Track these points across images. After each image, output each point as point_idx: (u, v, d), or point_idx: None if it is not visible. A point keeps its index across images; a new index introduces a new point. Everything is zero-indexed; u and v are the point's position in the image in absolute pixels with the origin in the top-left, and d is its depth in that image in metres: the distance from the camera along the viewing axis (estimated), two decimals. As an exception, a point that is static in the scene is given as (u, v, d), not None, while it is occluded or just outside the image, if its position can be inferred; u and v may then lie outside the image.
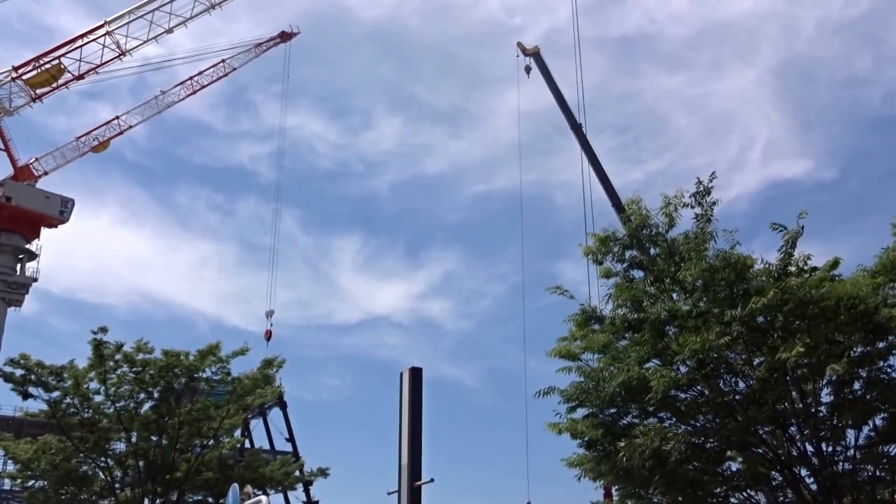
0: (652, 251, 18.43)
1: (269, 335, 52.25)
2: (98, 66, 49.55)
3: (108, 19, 49.04)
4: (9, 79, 48.67)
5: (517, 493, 35.42)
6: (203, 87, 57.79)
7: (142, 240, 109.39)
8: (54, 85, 49.48)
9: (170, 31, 49.50)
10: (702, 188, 17.82)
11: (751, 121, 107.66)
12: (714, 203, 17.69)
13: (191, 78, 56.84)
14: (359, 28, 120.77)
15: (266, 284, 56.49)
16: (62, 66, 48.85)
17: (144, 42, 49.36)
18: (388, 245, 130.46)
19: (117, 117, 56.12)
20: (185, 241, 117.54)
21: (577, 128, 41.53)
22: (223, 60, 57.24)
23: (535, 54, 44.29)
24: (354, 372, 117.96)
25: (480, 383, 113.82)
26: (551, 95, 43.35)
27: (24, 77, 48.64)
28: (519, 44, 45.22)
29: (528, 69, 44.74)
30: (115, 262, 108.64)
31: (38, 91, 49.46)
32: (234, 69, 58.38)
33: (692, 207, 17.90)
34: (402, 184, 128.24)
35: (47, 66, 48.58)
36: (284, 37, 60.20)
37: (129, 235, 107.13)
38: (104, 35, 48.62)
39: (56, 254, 77.15)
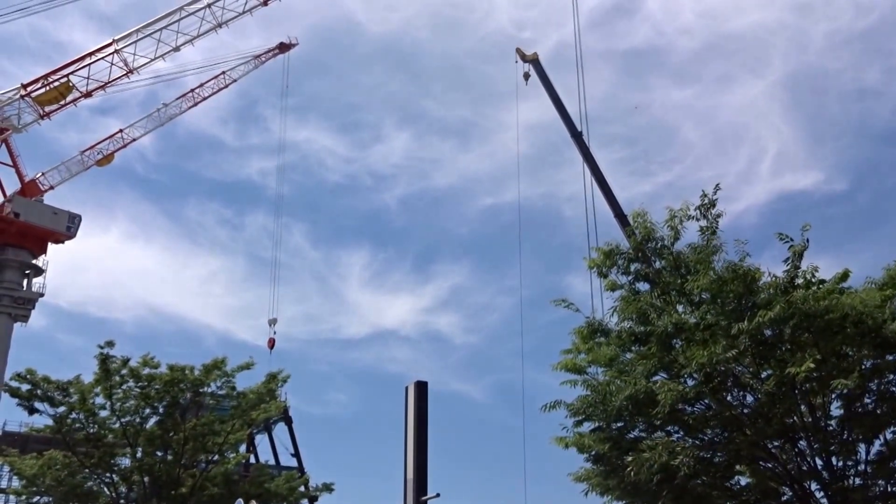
0: (657, 264, 18.38)
1: (272, 343, 52.40)
2: (106, 84, 49.95)
3: (116, 38, 49.51)
4: (17, 96, 49.08)
5: (524, 508, 35.06)
6: (204, 98, 58.07)
7: (150, 254, 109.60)
8: (62, 102, 49.82)
9: (177, 48, 49.93)
10: (707, 201, 17.83)
11: (760, 133, 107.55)
12: (719, 215, 17.70)
13: (192, 90, 57.24)
14: (369, 43, 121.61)
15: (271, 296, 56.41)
16: (70, 84, 49.24)
17: (152, 60, 49.80)
18: (397, 259, 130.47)
19: (121, 130, 56.38)
20: (193, 256, 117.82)
21: (577, 136, 41.10)
22: (223, 72, 57.60)
23: (534, 61, 43.85)
24: (362, 386, 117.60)
25: (488, 398, 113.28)
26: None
27: (33, 94, 49.01)
28: (518, 50, 44.83)
29: (526, 76, 44.28)
30: (123, 277, 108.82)
31: (47, 108, 49.85)
32: (235, 80, 58.69)
33: (697, 220, 17.90)
34: (410, 197, 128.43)
35: (55, 83, 48.98)
36: (283, 48, 60.68)
37: (138, 250, 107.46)
38: (112, 53, 49.05)
39: (65, 268, 77.43)
